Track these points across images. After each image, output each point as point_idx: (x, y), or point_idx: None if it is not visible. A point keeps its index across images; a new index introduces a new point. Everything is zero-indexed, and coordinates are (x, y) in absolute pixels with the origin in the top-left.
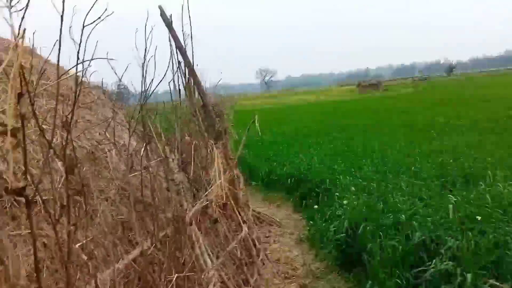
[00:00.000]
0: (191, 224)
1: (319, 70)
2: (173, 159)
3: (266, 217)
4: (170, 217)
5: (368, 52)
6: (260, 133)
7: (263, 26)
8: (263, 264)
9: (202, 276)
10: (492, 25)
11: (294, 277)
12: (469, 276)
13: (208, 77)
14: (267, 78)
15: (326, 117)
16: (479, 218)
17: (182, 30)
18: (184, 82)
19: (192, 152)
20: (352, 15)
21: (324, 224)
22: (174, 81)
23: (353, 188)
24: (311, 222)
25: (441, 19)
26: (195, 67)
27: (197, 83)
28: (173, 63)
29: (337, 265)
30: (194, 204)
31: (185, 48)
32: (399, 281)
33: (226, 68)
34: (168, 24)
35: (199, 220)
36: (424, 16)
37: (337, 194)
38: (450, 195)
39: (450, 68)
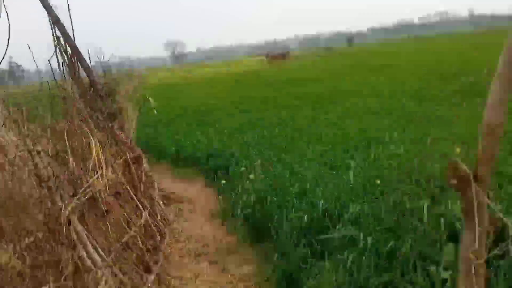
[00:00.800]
0: (70, 223)
1: (230, 41)
2: (39, 152)
3: (175, 195)
4: (40, 219)
5: (276, 22)
6: (156, 111)
7: None
8: (170, 246)
9: (90, 278)
10: None
11: (204, 254)
12: (369, 239)
13: (105, 52)
14: (176, 51)
15: (238, 89)
16: (378, 181)
17: None
18: (66, 59)
19: (66, 140)
20: None
21: (234, 198)
22: (58, 59)
23: (259, 161)
24: (220, 197)
25: None
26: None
27: (81, 59)
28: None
29: (248, 239)
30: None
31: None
32: (305, 251)
33: (133, 41)
34: None
35: (84, 216)
36: None
37: (244, 168)
38: (350, 160)
39: (350, 38)
